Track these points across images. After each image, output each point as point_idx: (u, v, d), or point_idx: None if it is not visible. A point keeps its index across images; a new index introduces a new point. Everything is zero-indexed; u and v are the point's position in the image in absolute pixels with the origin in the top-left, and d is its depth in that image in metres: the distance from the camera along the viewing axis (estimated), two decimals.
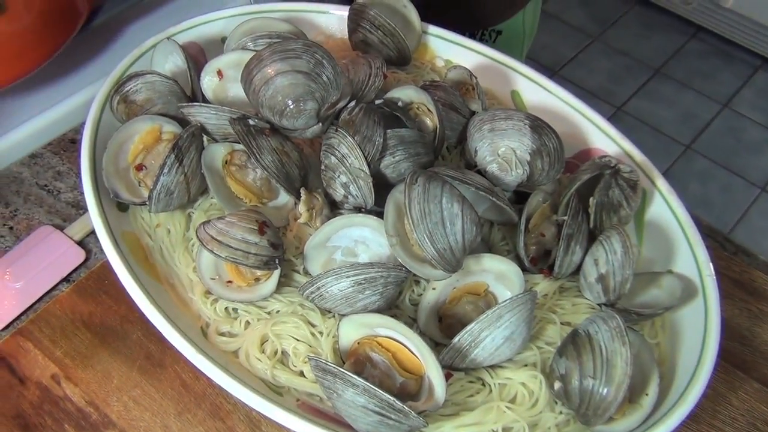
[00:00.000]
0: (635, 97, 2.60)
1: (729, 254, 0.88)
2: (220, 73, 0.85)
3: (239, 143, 0.77)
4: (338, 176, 0.74)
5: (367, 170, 0.72)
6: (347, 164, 0.73)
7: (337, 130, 0.74)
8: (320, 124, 0.76)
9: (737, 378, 0.78)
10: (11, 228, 0.87)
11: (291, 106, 0.74)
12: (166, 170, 0.75)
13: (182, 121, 0.81)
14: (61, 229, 0.86)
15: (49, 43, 0.88)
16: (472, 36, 0.96)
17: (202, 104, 0.78)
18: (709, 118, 2.55)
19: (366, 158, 0.73)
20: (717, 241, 0.89)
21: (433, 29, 0.97)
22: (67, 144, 0.96)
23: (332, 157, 0.74)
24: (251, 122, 0.76)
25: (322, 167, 0.76)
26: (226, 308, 0.74)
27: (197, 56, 0.93)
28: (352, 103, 0.78)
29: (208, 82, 0.85)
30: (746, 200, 2.31)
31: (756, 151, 2.45)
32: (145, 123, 0.81)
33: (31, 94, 0.97)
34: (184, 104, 0.79)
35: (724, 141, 2.48)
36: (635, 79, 2.67)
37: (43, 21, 0.85)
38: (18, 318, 0.79)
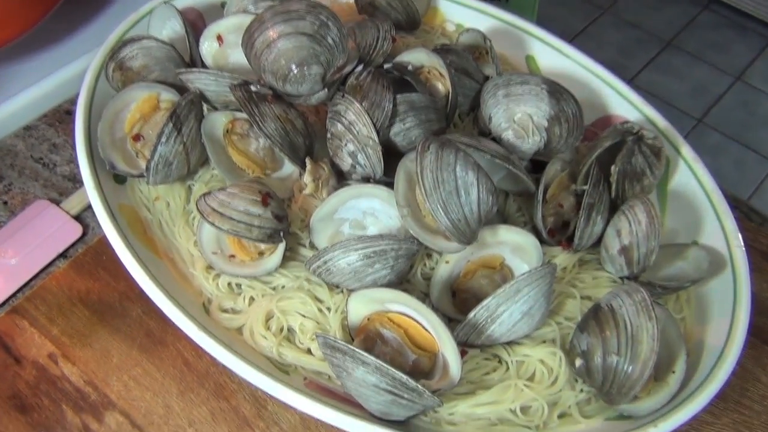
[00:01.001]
0: (646, 70, 2.55)
1: (756, 225, 0.84)
2: (219, 39, 0.81)
3: (240, 111, 0.73)
4: (345, 145, 0.70)
5: (376, 138, 0.69)
6: (355, 132, 0.69)
7: (343, 96, 0.71)
8: (326, 89, 0.72)
9: (766, 354, 0.75)
10: (5, 203, 0.84)
11: (295, 71, 0.70)
12: (163, 140, 0.71)
13: (181, 89, 0.78)
14: (57, 203, 0.83)
15: (36, 5, 0.84)
16: None
17: (202, 70, 0.74)
18: (721, 92, 2.50)
19: (374, 125, 0.69)
20: (742, 212, 0.85)
21: None
22: (62, 115, 0.93)
23: (339, 125, 0.70)
24: (253, 88, 0.72)
25: (328, 135, 0.72)
26: (228, 284, 0.72)
27: (196, 21, 0.89)
28: (360, 68, 0.74)
29: (208, 47, 0.81)
30: (759, 174, 2.26)
31: None
32: (142, 90, 0.77)
33: (24, 63, 0.94)
34: (182, 70, 0.75)
35: (736, 114, 2.43)
36: (646, 51, 2.61)
37: None
38: (13, 295, 0.76)
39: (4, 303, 0.76)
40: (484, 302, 0.63)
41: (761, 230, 0.84)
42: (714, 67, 2.58)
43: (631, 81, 2.49)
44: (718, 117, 2.42)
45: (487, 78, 0.81)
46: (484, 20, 0.90)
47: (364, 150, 0.70)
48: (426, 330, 0.64)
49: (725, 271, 0.70)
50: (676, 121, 0.79)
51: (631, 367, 0.61)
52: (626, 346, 0.61)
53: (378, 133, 0.69)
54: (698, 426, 0.70)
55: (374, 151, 0.69)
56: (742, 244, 0.70)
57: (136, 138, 0.76)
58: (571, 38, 2.61)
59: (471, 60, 0.81)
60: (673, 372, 0.64)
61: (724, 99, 2.48)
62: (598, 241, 0.73)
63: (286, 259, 0.71)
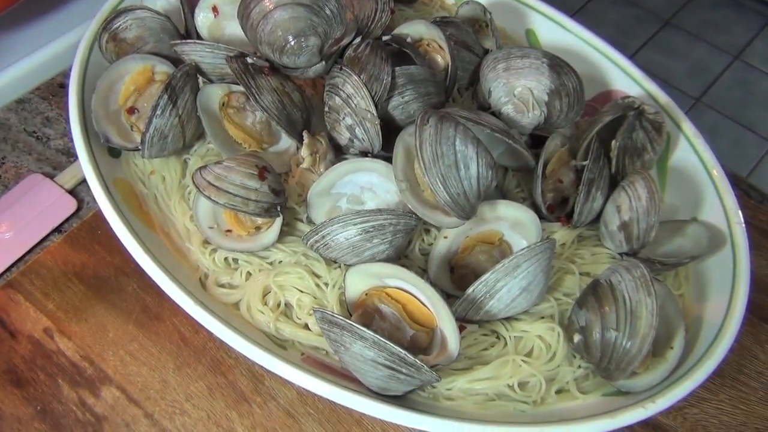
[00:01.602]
0: (644, 49, 2.53)
1: (755, 202, 0.84)
2: (215, 10, 0.80)
3: (237, 84, 0.72)
4: (343, 118, 0.69)
5: (374, 111, 0.68)
6: (353, 105, 0.68)
7: (341, 69, 0.69)
8: (323, 62, 0.71)
9: (763, 331, 0.75)
10: None
11: (292, 42, 0.69)
12: (158, 112, 0.70)
13: (176, 61, 0.76)
14: (52, 177, 0.82)
15: None
16: None
17: (197, 42, 0.73)
18: (720, 71, 2.49)
19: (373, 98, 0.68)
20: (741, 189, 0.84)
21: None
22: (56, 88, 0.91)
23: (336, 98, 0.69)
24: (249, 61, 0.71)
25: (326, 109, 0.71)
26: (225, 258, 0.71)
27: None
28: (358, 40, 0.73)
29: (203, 19, 0.80)
30: (757, 154, 2.26)
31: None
32: (136, 62, 0.76)
33: (16, 35, 0.92)
34: (177, 42, 0.74)
35: (734, 94, 2.42)
36: (645, 30, 2.59)
37: None
38: (8, 270, 0.75)
39: None
40: (483, 277, 0.62)
41: (760, 207, 0.84)
42: (713, 46, 2.56)
43: (629, 59, 2.47)
44: (716, 96, 2.40)
45: (486, 51, 0.80)
46: None
47: (362, 123, 0.69)
48: (424, 305, 0.64)
49: (725, 247, 0.70)
50: (674, 100, 0.78)
51: (629, 343, 0.60)
52: (625, 321, 0.61)
53: (376, 106, 0.68)
54: (695, 402, 0.70)
55: (372, 125, 0.68)
56: (743, 221, 0.70)
57: (131, 111, 0.75)
58: (570, 16, 2.58)
59: (471, 33, 0.80)
60: (672, 348, 0.64)
61: (722, 78, 2.47)
62: (598, 217, 0.72)
63: (283, 234, 0.70)
